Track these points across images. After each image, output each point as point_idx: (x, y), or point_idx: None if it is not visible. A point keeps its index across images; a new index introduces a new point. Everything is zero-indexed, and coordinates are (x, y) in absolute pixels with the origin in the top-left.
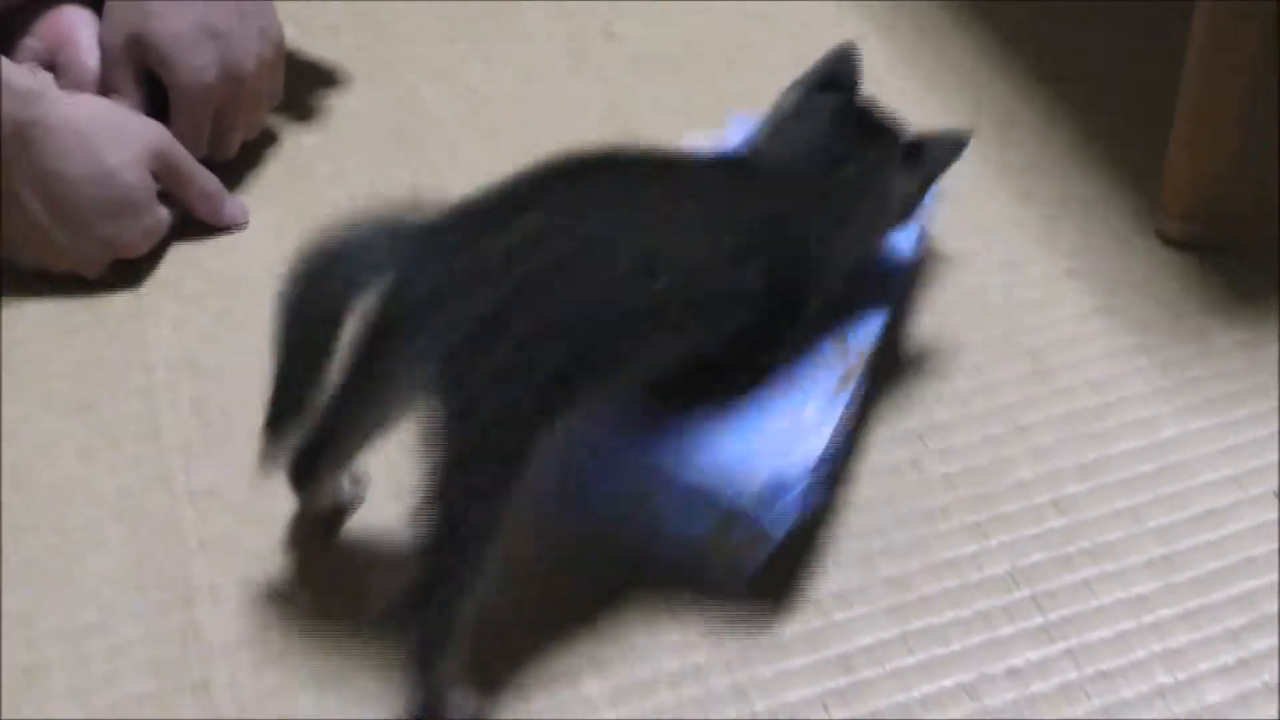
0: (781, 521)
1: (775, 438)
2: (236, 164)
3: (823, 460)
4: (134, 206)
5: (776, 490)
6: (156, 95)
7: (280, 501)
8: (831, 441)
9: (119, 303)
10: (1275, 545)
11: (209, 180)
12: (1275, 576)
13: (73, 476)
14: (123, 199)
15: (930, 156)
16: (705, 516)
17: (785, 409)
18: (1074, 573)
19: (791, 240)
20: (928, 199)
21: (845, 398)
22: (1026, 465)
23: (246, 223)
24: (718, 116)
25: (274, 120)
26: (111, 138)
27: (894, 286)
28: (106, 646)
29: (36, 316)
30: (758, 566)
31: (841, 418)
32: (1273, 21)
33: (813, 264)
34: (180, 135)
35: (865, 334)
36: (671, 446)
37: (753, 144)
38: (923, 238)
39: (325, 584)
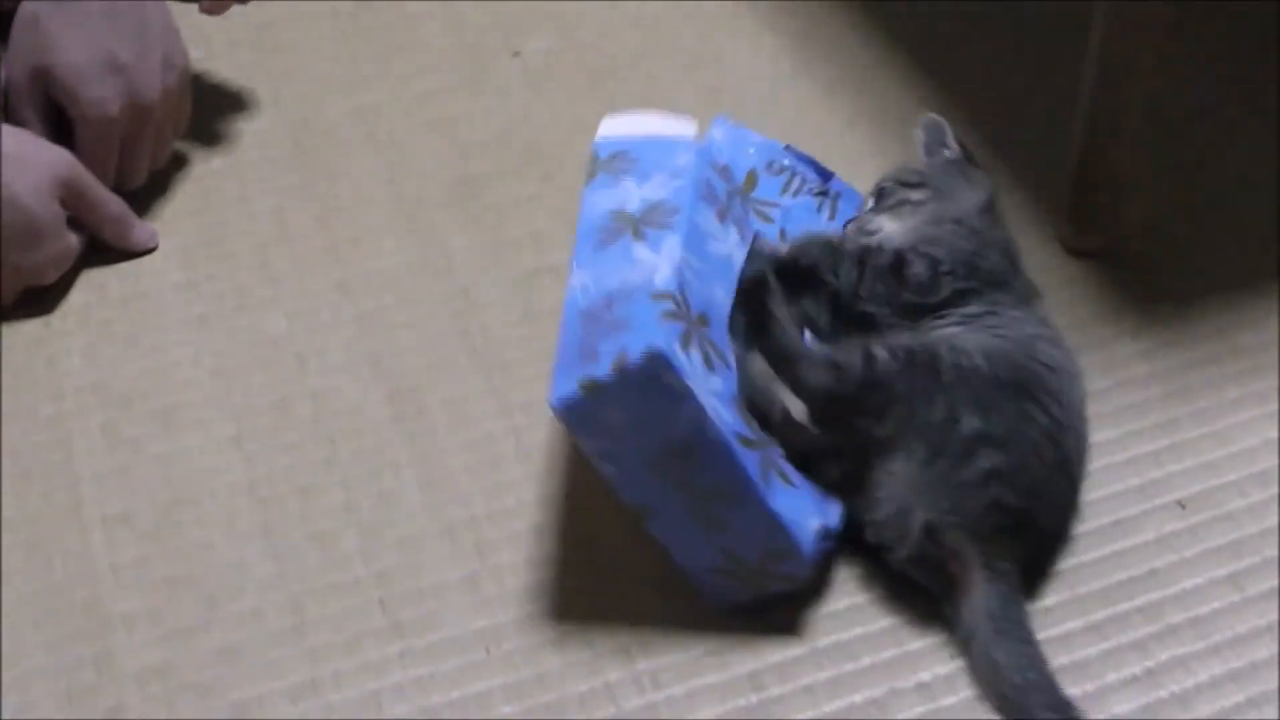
0: (811, 565)
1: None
2: (143, 188)
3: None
4: (41, 233)
5: (825, 538)
6: (64, 123)
7: (191, 529)
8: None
9: (27, 330)
10: (1180, 556)
11: (116, 205)
12: (1180, 587)
13: None
14: (29, 226)
15: None
16: (766, 541)
17: None
18: None
19: None
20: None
21: None
22: None
23: (155, 247)
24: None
25: (180, 144)
26: (15, 166)
27: None
28: (18, 675)
29: None
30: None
31: None
32: (1169, 31)
33: None
34: (87, 166)
35: None
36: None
37: None
38: None
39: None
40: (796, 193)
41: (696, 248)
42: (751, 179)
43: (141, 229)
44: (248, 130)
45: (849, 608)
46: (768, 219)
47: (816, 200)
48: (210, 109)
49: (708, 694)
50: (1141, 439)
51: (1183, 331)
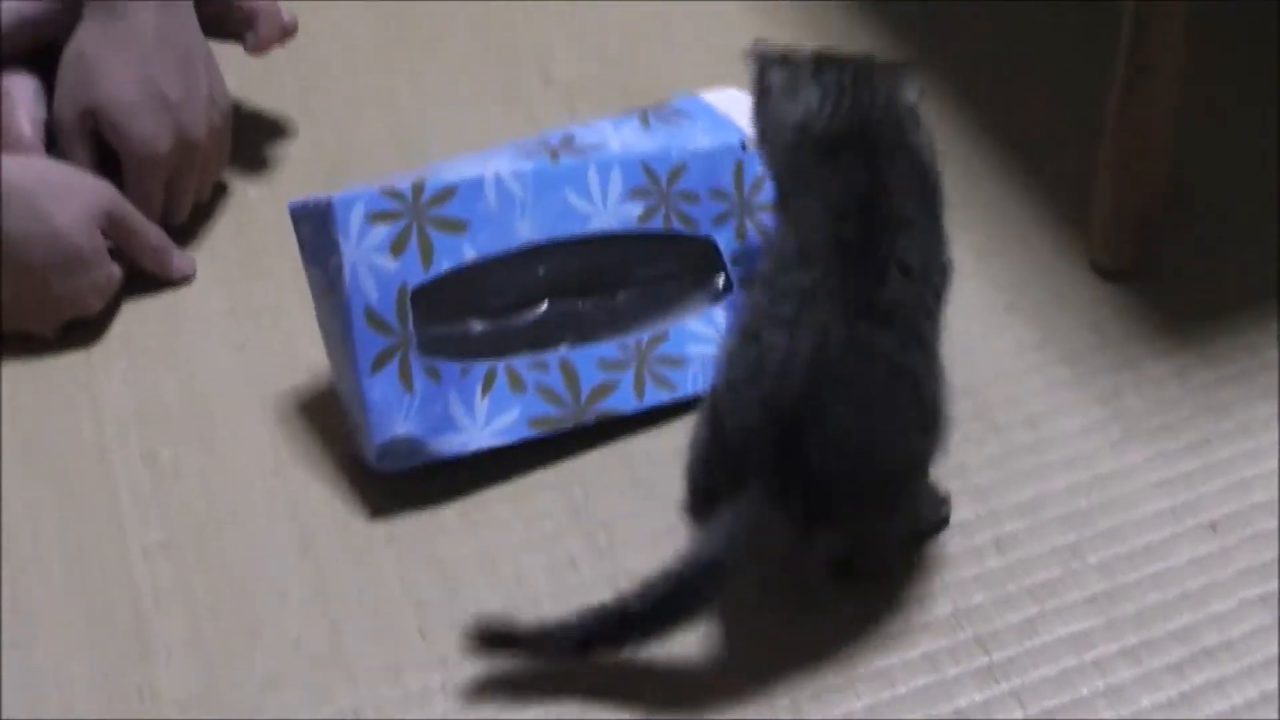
0: (378, 456)
1: None
2: None
3: None
4: (84, 264)
5: (407, 451)
6: (107, 155)
7: (232, 554)
8: None
9: (69, 358)
10: (1212, 578)
11: (157, 235)
12: (1213, 609)
13: (25, 532)
14: (72, 257)
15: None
16: (357, 411)
17: None
18: (1016, 611)
19: None
20: None
21: None
22: (967, 505)
23: (194, 275)
24: None
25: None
26: (58, 197)
27: None
28: (61, 701)
29: None
30: None
31: None
32: (1191, 40)
33: None
34: (134, 202)
35: None
36: None
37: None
38: None
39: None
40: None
41: (541, 185)
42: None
43: (181, 258)
44: (284, 155)
45: (885, 635)
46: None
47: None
48: (247, 135)
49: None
50: (1174, 460)
51: (1214, 349)
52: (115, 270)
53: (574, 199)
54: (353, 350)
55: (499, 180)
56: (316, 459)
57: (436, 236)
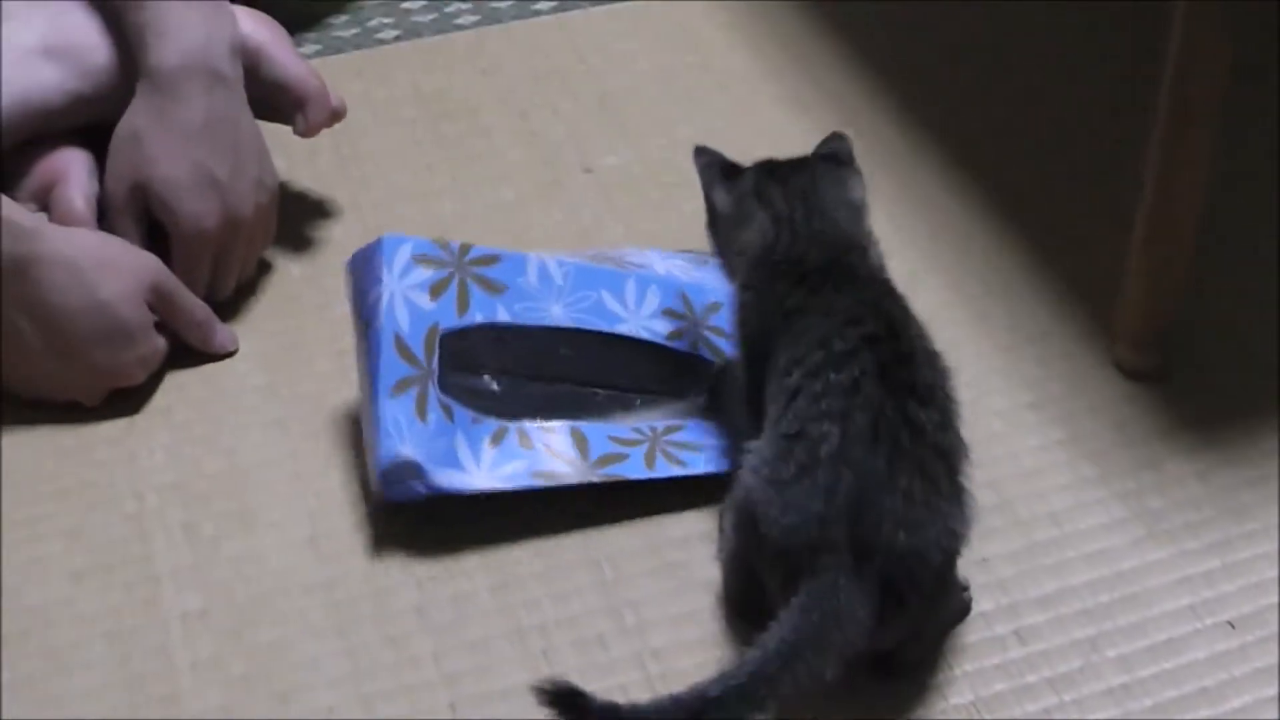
0: (382, 483)
1: None
2: None
3: None
4: (130, 337)
5: (412, 474)
6: (155, 230)
7: (266, 627)
8: None
9: (110, 429)
10: (1231, 675)
11: (201, 309)
12: (1231, 704)
13: (62, 598)
14: (118, 329)
15: None
16: (372, 436)
17: None
18: (1035, 701)
19: None
20: None
21: None
22: (989, 597)
23: (236, 350)
24: (681, 236)
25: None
26: (105, 270)
27: None
28: None
29: (29, 441)
30: None
31: None
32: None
33: None
34: (180, 277)
35: None
36: None
37: None
38: None
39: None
40: None
41: (580, 279)
42: None
43: (224, 333)
44: (328, 237)
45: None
46: None
47: None
48: (292, 216)
49: None
50: (1195, 559)
51: (1238, 450)
52: (160, 343)
53: (609, 300)
54: (376, 373)
55: (542, 262)
56: (353, 538)
57: (475, 290)
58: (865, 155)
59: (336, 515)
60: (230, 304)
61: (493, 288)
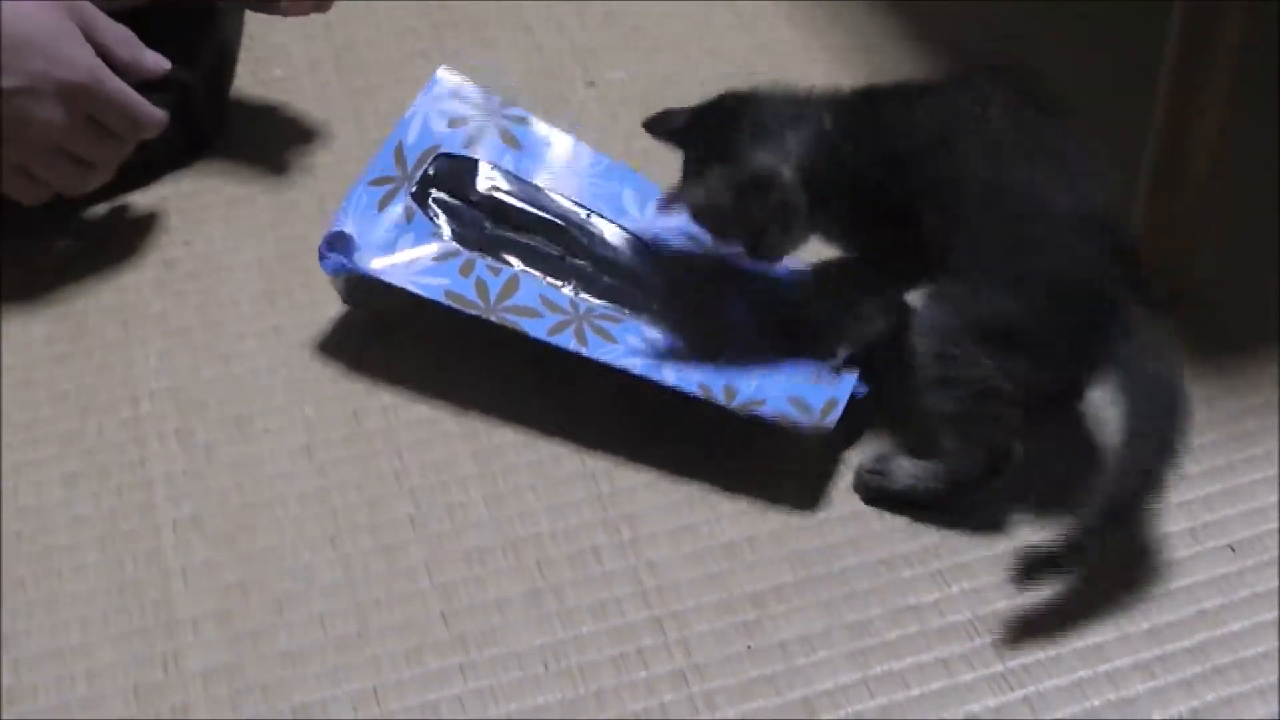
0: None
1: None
2: (221, 201)
3: None
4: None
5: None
6: None
7: (260, 534)
8: None
9: (106, 334)
10: (1229, 598)
11: (121, 30)
12: (1228, 629)
13: (57, 502)
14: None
15: None
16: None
17: None
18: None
19: None
20: None
21: None
22: (986, 514)
23: (165, 70)
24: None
25: (261, 163)
26: None
27: None
28: (88, 670)
29: (24, 346)
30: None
31: None
32: (1235, 78)
33: None
34: None
35: None
36: None
37: None
38: None
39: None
40: None
41: (608, 172)
42: None
43: (151, 54)
44: (327, 147)
45: (900, 638)
46: None
47: None
48: (292, 124)
49: (761, 717)
50: (1196, 484)
51: (1242, 378)
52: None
53: (629, 198)
54: (367, 166)
55: (576, 143)
56: (349, 448)
57: (491, 137)
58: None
59: (332, 424)
60: (230, 210)
61: (512, 142)
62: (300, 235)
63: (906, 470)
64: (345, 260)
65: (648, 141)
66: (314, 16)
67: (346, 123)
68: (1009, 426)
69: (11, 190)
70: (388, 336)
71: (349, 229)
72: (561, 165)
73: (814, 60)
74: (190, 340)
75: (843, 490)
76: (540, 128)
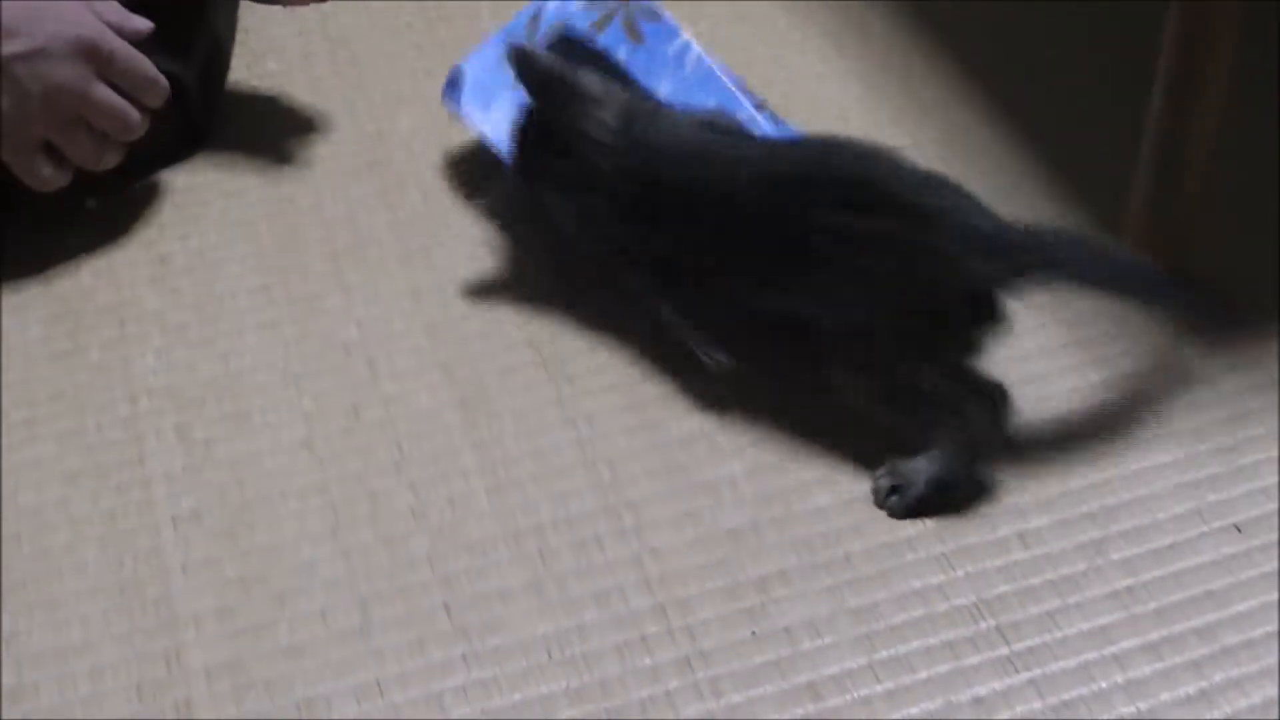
0: None
1: None
2: (220, 192)
3: None
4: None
5: None
6: None
7: (261, 529)
8: None
9: (103, 332)
10: (1236, 578)
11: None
12: (1236, 609)
13: (56, 501)
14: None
15: None
16: None
17: None
18: (1039, 604)
19: None
20: None
21: None
22: (991, 498)
23: (150, 30)
24: None
25: (257, 155)
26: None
27: None
28: (90, 668)
29: (21, 346)
30: None
31: None
32: (1235, 59)
33: None
34: None
35: None
36: None
37: None
38: None
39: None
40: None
41: (709, 80)
42: None
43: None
44: (322, 140)
45: (905, 622)
46: None
47: None
48: (285, 121)
49: (767, 703)
50: (1201, 463)
51: (1248, 355)
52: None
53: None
54: (505, 27)
55: (688, 46)
56: (348, 441)
57: (617, 27)
58: (876, 63)
59: (331, 418)
60: (226, 203)
61: (635, 34)
62: (296, 229)
63: (921, 470)
64: (454, 103)
65: None
66: (309, 10)
67: (341, 116)
68: (956, 372)
69: (34, 175)
70: (384, 326)
71: (466, 69)
72: (666, 60)
73: (809, 49)
74: (187, 336)
75: (845, 475)
76: (667, 24)
